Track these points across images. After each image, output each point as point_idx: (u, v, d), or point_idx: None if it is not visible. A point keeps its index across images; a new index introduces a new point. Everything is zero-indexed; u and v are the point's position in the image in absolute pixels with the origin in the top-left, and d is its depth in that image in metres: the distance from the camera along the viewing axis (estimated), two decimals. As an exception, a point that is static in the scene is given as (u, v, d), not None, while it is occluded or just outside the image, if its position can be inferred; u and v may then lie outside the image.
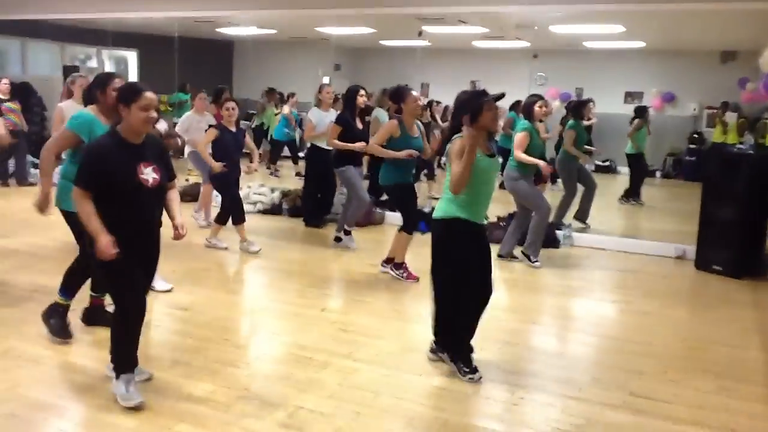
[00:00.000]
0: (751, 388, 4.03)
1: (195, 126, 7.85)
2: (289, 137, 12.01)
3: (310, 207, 8.20)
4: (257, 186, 9.52)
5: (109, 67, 13.79)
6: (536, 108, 6.64)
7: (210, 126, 7.00)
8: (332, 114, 7.49)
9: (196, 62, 12.59)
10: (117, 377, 3.47)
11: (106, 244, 3.25)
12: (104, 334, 3.96)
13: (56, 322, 4.24)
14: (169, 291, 5.36)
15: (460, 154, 3.77)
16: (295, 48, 14.41)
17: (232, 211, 6.80)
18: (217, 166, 6.60)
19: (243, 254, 6.80)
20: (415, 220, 5.98)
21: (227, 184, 6.78)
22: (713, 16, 8.64)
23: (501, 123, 7.15)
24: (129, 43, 13.29)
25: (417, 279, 5.82)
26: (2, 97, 9.78)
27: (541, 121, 6.83)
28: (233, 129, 6.73)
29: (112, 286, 3.52)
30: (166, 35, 11.63)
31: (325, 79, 12.70)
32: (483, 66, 13.74)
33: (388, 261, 6.12)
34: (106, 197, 3.32)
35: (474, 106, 3.83)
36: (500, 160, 4.58)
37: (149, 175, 3.39)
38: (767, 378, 4.21)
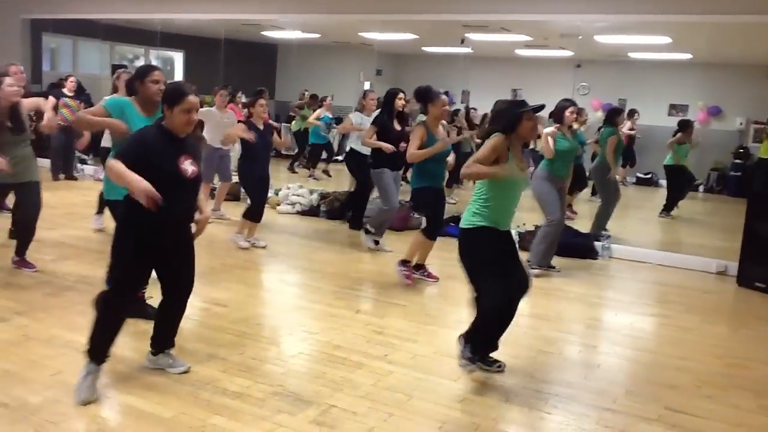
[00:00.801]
0: (792, 409, 3.94)
1: (218, 122, 8.00)
2: (325, 140, 12.11)
3: (355, 211, 8.23)
4: (296, 187, 9.62)
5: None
6: (567, 113, 6.56)
7: (239, 122, 7.13)
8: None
9: (240, 64, 12.79)
10: (88, 363, 3.49)
11: (144, 186, 3.24)
12: (145, 326, 4.08)
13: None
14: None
15: (492, 148, 3.75)
16: (338, 52, 14.53)
17: (255, 209, 6.91)
18: (240, 129, 6.69)
19: (281, 254, 6.91)
20: (438, 226, 5.96)
21: (253, 181, 6.87)
22: (763, 28, 8.47)
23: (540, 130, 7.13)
24: (176, 44, 13.57)
25: (411, 282, 5.89)
26: (67, 92, 10.14)
27: (570, 127, 6.73)
28: (261, 127, 6.83)
29: (119, 270, 3.55)
30: (212, 37, 11.85)
31: (367, 85, 12.79)
32: (525, 74, 13.67)
33: (417, 267, 6.13)
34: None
35: (513, 115, 3.81)
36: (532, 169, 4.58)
37: (188, 167, 3.51)
38: (809, 399, 4.11)
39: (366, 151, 7.41)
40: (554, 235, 6.63)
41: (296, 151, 13.23)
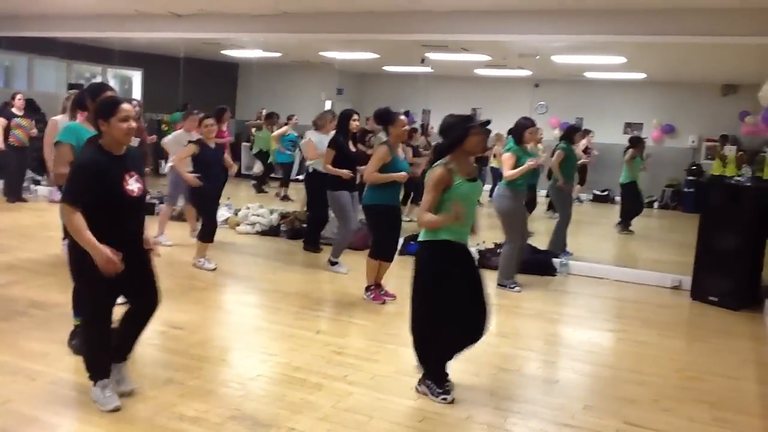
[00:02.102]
0: (747, 420, 4.02)
1: (183, 144, 7.92)
2: (290, 159, 12.03)
3: (312, 232, 8.17)
4: (256, 207, 9.55)
5: (114, 86, 13.88)
6: (527, 134, 6.68)
7: (189, 142, 7.06)
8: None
9: (200, 83, 12.69)
10: (94, 384, 3.58)
11: (107, 256, 3.30)
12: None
13: (77, 341, 4.26)
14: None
15: (435, 185, 3.82)
16: (299, 71, 14.54)
17: (210, 228, 6.81)
18: (192, 178, 6.66)
19: (240, 275, 6.84)
20: (394, 246, 5.96)
21: (206, 201, 6.80)
22: (714, 49, 8.75)
23: (499, 148, 7.27)
24: (134, 62, 13.42)
25: (383, 302, 5.92)
26: (16, 112, 9.94)
27: (528, 145, 6.85)
28: (212, 145, 6.78)
29: (88, 292, 3.57)
30: (171, 56, 11.75)
31: (328, 104, 12.80)
32: (485, 93, 13.87)
33: (368, 289, 6.13)
34: (93, 209, 3.37)
35: (460, 130, 3.86)
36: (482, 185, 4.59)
37: (134, 185, 3.47)
38: (764, 410, 4.20)
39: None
40: (519, 254, 6.76)
41: (262, 171, 13.11)
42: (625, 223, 10.71)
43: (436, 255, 3.90)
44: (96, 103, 3.68)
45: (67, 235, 6.81)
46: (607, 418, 3.88)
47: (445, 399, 3.88)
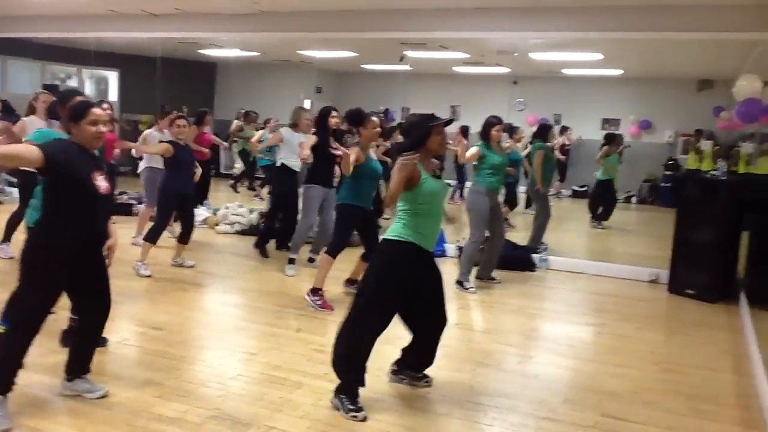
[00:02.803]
0: (725, 410, 4.07)
1: (154, 142, 7.85)
2: (271, 160, 11.94)
3: (283, 230, 8.11)
4: (236, 207, 9.50)
5: (89, 87, 13.76)
6: (493, 132, 6.60)
7: (161, 141, 7.03)
8: (305, 137, 7.37)
9: (178, 83, 12.59)
10: None
11: None
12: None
13: None
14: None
15: (399, 169, 3.71)
16: (278, 70, 14.48)
17: (160, 230, 6.71)
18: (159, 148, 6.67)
19: (219, 274, 6.80)
20: (342, 247, 5.77)
21: (170, 201, 6.70)
22: (690, 45, 8.82)
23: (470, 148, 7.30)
24: (110, 62, 13.28)
25: (332, 309, 5.63)
26: None
27: (499, 143, 6.83)
28: (182, 144, 6.74)
29: (37, 297, 3.39)
30: (148, 55, 11.64)
31: (307, 103, 12.73)
32: (463, 91, 13.91)
33: (350, 282, 6.11)
34: (62, 203, 3.33)
35: (423, 129, 3.82)
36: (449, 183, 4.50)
37: (102, 182, 3.44)
38: (742, 400, 4.25)
39: (296, 167, 7.40)
40: (494, 252, 6.78)
41: (242, 170, 13.03)
42: (598, 220, 10.80)
43: (398, 256, 3.75)
44: (66, 107, 3.67)
45: (7, 238, 6.74)
46: (587, 411, 3.91)
47: (355, 417, 3.60)
